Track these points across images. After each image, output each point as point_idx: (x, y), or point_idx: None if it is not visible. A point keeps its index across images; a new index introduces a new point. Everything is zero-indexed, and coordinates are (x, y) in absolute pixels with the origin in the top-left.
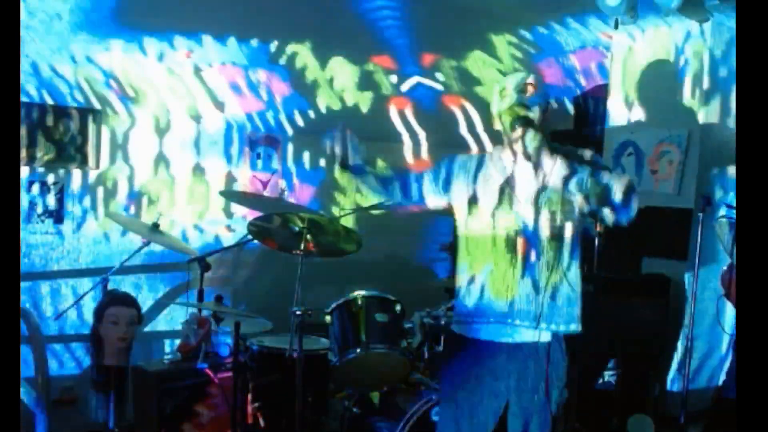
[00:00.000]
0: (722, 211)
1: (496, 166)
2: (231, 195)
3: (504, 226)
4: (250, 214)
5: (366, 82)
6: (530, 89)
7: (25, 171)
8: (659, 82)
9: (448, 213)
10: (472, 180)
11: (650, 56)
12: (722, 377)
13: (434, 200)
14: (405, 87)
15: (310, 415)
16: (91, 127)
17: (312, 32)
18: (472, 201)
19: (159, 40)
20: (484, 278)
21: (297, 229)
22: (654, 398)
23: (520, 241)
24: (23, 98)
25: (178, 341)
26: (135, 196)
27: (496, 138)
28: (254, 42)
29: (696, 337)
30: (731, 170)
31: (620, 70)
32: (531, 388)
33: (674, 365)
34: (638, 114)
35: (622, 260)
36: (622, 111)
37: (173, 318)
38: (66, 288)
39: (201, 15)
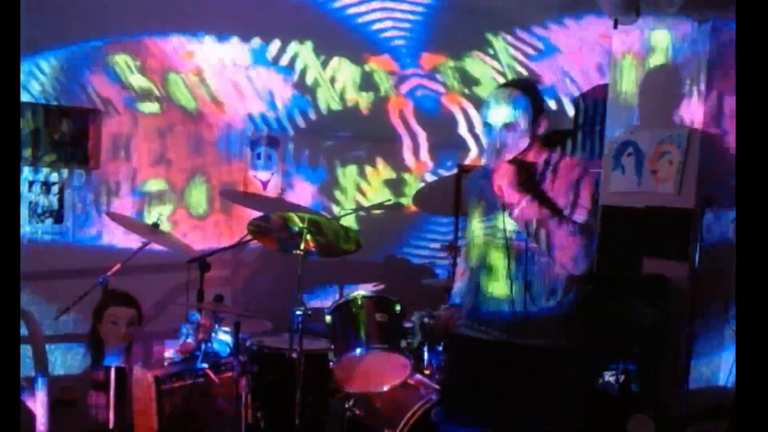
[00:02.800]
0: None
1: (488, 178)
2: (231, 195)
3: (498, 233)
4: (250, 214)
5: (366, 83)
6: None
7: (25, 171)
8: (659, 82)
9: (449, 214)
10: (473, 190)
11: (650, 56)
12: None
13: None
14: (405, 87)
15: (310, 415)
16: (92, 127)
17: (313, 33)
18: (472, 208)
19: (160, 39)
20: (484, 282)
21: (297, 229)
22: (654, 398)
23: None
24: (24, 98)
25: (178, 341)
26: (135, 196)
27: None
28: (256, 42)
29: (696, 337)
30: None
31: (620, 70)
32: (539, 392)
33: (674, 365)
34: (638, 114)
35: (622, 260)
36: (622, 111)
37: (173, 318)
38: (66, 288)
39: (202, 14)
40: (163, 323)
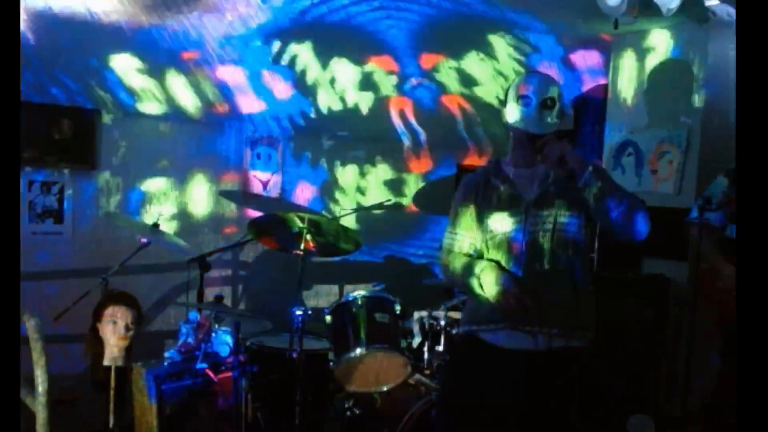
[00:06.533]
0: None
1: (499, 176)
2: (231, 195)
3: (509, 232)
4: (250, 214)
5: (366, 83)
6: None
7: (25, 171)
8: (659, 82)
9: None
10: (475, 195)
11: (650, 56)
12: None
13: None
14: (405, 87)
15: (310, 415)
16: (92, 127)
17: (313, 33)
18: (480, 212)
19: (160, 38)
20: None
21: (297, 229)
22: (654, 398)
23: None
24: (23, 98)
25: (178, 341)
26: (135, 196)
27: (495, 138)
28: (256, 42)
29: (696, 336)
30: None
31: (620, 70)
32: (545, 398)
33: (674, 365)
34: (638, 114)
35: (622, 260)
36: (622, 111)
37: (173, 318)
38: (66, 288)
39: (202, 14)
40: (163, 323)
